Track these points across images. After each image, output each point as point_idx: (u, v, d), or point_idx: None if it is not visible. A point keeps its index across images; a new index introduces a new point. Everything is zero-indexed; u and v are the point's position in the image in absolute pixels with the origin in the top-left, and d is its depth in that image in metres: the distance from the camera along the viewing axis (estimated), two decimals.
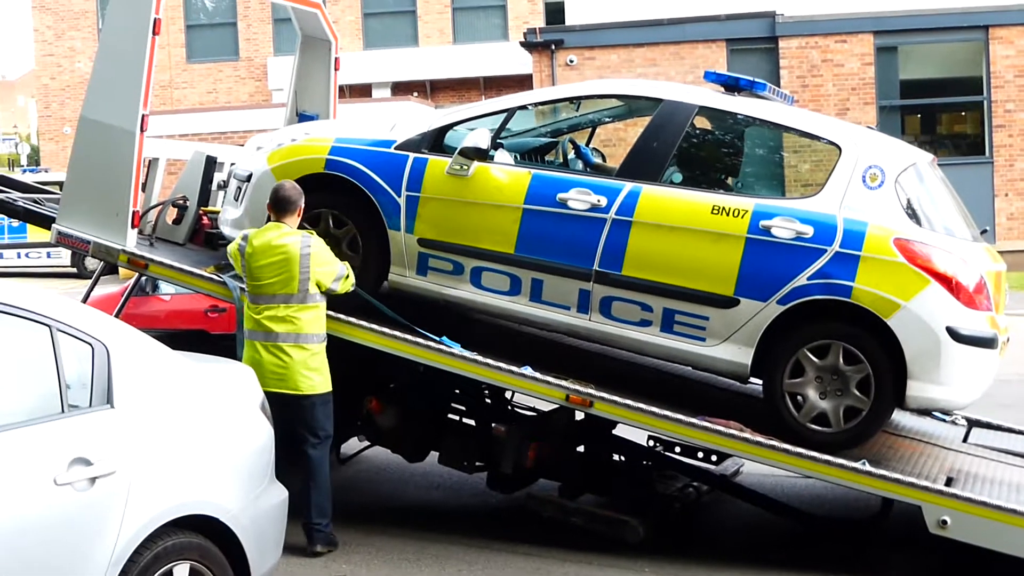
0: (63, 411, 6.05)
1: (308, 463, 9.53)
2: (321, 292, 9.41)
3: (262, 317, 9.39)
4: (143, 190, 11.02)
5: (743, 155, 10.24)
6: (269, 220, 9.55)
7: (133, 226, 10.15)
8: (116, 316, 11.45)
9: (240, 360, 9.11)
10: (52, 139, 48.19)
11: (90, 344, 6.32)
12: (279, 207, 9.47)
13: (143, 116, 10.05)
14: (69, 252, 29.08)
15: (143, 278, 12.82)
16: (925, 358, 8.74)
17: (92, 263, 12.92)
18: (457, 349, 9.50)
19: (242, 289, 9.66)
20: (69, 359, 6.18)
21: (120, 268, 10.65)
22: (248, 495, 6.98)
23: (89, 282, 13.04)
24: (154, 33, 10.07)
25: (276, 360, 9.32)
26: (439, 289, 9.86)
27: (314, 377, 9.45)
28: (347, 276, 9.54)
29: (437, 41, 45.93)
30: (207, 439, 6.82)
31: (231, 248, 9.65)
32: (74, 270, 32.88)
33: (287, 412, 9.10)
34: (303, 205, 9.52)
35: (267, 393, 8.43)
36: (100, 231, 10.19)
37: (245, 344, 9.50)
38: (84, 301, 11.74)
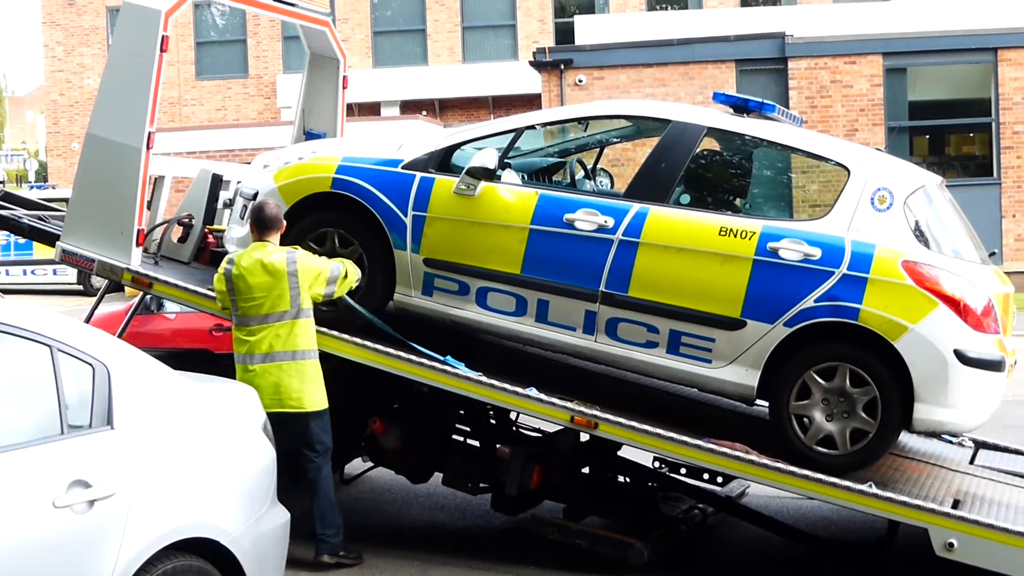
0: (63, 432, 6.01)
1: (309, 477, 9.54)
2: (317, 302, 9.43)
3: (258, 338, 9.38)
4: (148, 208, 10.98)
5: (751, 176, 10.22)
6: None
7: (138, 244, 10.12)
8: (120, 335, 11.46)
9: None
10: (60, 155, 48.24)
11: (91, 364, 6.28)
12: (262, 226, 9.50)
13: (149, 133, 10.02)
14: (75, 269, 29.01)
15: (148, 296, 12.77)
16: (932, 381, 8.69)
17: (98, 281, 12.93)
18: (462, 369, 9.46)
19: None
20: (69, 379, 6.14)
21: (125, 286, 10.59)
22: (249, 517, 6.93)
23: (94, 299, 13.04)
24: (161, 50, 10.05)
25: (274, 380, 9.32)
26: (444, 309, 9.82)
27: (315, 393, 9.48)
28: (344, 275, 9.52)
29: (447, 60, 46.00)
30: (208, 461, 6.78)
31: (216, 276, 9.62)
32: (80, 287, 32.86)
33: (286, 430, 9.06)
34: (285, 223, 9.58)
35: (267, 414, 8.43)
36: (104, 249, 10.15)
37: (237, 368, 9.50)
38: (88, 319, 11.72)
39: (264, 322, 9.38)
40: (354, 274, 9.62)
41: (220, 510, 6.72)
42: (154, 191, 11.67)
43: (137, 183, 10.02)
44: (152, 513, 6.20)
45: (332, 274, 9.45)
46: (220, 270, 9.59)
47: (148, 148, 10.03)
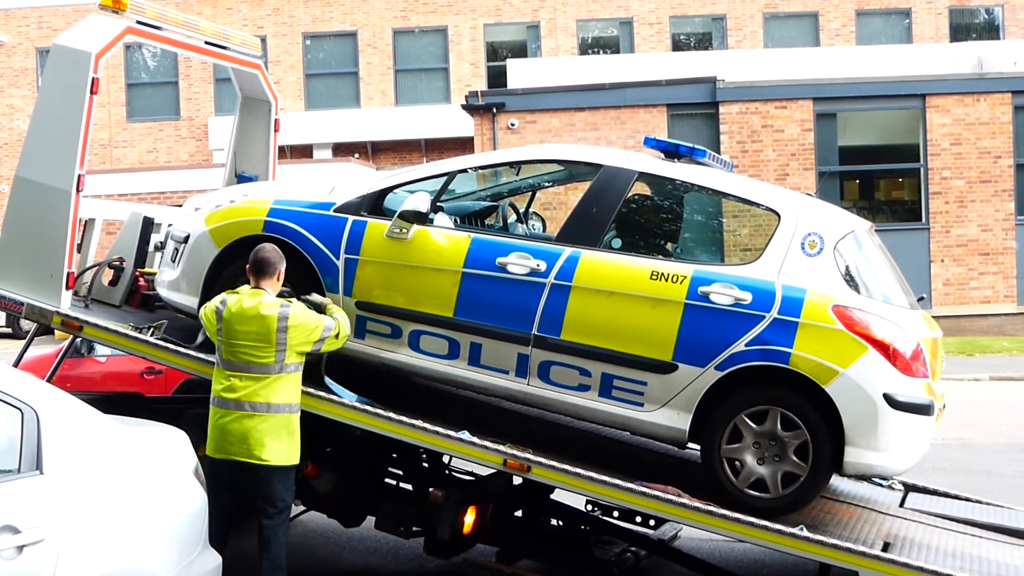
0: None
1: (264, 534, 9.08)
2: (303, 357, 9.14)
3: (236, 384, 8.99)
4: (79, 251, 10.90)
5: (682, 221, 10.24)
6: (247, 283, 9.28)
7: (68, 287, 10.02)
8: (50, 378, 11.36)
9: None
10: None
11: (19, 409, 6.23)
12: (258, 270, 9.16)
13: (79, 176, 9.94)
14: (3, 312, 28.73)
15: (78, 340, 12.66)
16: (863, 424, 8.72)
17: (28, 324, 12.79)
18: (351, 399, 9.34)
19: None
20: None
21: (55, 329, 10.48)
22: (180, 562, 6.89)
23: (23, 343, 12.91)
24: (92, 92, 9.96)
25: (244, 429, 8.92)
26: (377, 352, 9.78)
27: (283, 448, 9.05)
28: (336, 334, 9.22)
29: (379, 103, 46.05)
30: (139, 505, 6.73)
31: (206, 310, 9.23)
32: (9, 330, 32.59)
33: (247, 480, 8.91)
34: (283, 269, 9.27)
35: (229, 461, 8.35)
36: (34, 292, 10.04)
37: (211, 410, 9.09)
38: (17, 363, 11.59)
39: (247, 370, 8.99)
40: (345, 332, 9.33)
41: (151, 555, 6.67)
42: (84, 234, 11.58)
43: (67, 226, 9.92)
44: (82, 558, 6.14)
45: (323, 333, 9.15)
46: (212, 306, 9.18)
47: (78, 191, 9.94)
